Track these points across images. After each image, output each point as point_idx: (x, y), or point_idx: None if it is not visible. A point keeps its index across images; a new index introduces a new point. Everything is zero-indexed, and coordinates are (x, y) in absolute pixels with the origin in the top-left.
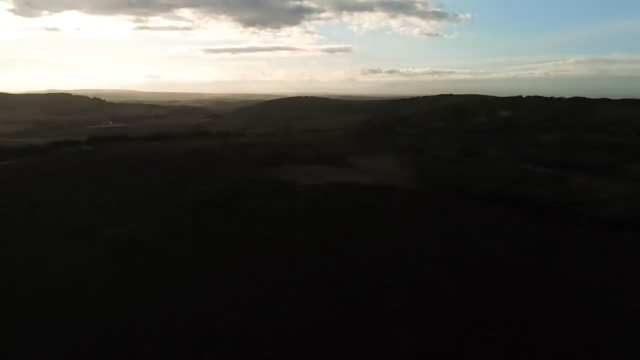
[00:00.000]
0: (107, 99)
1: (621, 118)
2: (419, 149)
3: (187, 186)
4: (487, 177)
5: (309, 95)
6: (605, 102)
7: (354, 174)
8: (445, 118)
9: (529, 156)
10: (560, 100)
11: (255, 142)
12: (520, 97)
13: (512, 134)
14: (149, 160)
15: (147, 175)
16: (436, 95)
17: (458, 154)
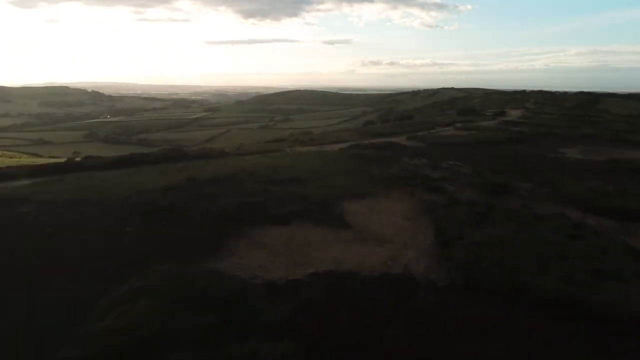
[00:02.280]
0: (106, 92)
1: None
2: (431, 183)
3: (75, 317)
4: (542, 253)
5: (308, 88)
6: (611, 97)
7: (353, 245)
8: (452, 121)
9: (570, 194)
10: (566, 95)
11: (231, 174)
12: (524, 91)
13: (532, 146)
14: (71, 225)
15: (43, 273)
16: (437, 89)
17: (484, 193)
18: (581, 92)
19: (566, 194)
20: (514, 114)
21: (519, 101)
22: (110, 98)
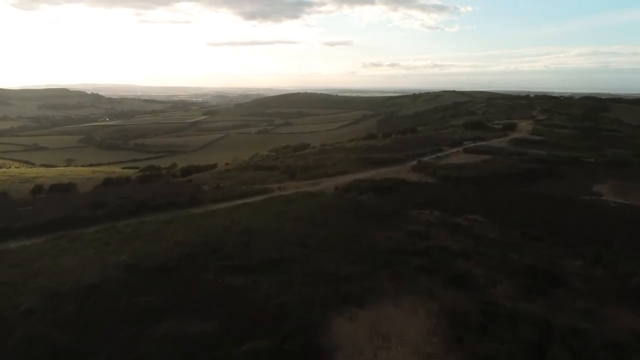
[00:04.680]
0: (106, 94)
1: None
2: (452, 267)
3: None
4: None
5: (308, 90)
6: (617, 102)
7: None
8: (460, 139)
9: (629, 274)
10: (571, 100)
11: (189, 254)
12: (527, 96)
13: (558, 183)
14: None
15: None
16: (438, 92)
17: (525, 287)
18: (586, 97)
19: (633, 286)
20: (524, 127)
21: (524, 108)
22: (110, 100)
